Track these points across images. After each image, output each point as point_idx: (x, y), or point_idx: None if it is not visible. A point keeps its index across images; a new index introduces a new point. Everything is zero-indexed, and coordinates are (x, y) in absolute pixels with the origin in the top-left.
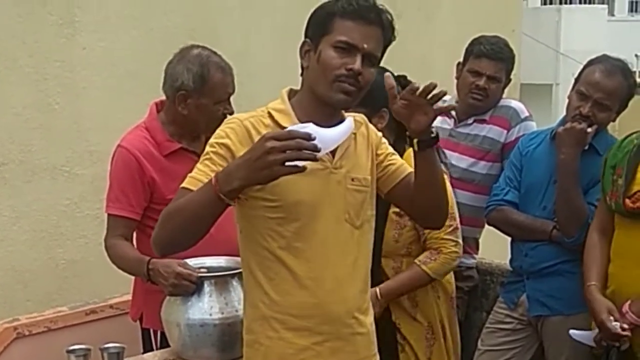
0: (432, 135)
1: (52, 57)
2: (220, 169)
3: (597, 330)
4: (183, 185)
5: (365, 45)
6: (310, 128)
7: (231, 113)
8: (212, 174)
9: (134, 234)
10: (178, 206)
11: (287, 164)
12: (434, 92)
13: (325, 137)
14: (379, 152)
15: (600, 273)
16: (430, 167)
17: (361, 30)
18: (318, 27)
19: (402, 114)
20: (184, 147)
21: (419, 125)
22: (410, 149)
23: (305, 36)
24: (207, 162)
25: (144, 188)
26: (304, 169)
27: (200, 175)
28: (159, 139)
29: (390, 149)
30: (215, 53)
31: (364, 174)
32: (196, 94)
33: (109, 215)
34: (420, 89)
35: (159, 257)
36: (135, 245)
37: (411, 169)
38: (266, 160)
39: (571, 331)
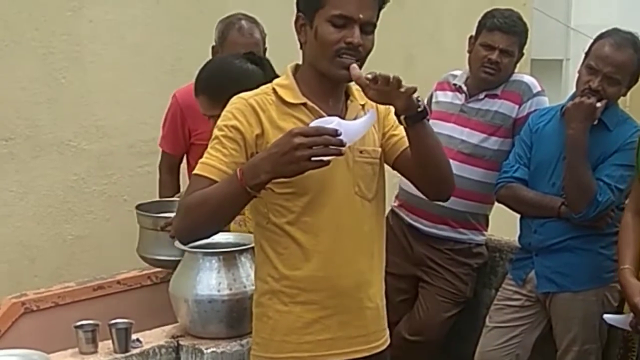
0: (420, 109)
1: (58, 30)
2: (231, 152)
3: (632, 314)
4: (196, 171)
5: (361, 16)
6: (335, 123)
7: None
8: (225, 159)
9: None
10: (200, 198)
11: (313, 158)
12: (390, 80)
13: (350, 130)
14: (386, 122)
15: (634, 256)
16: (424, 140)
17: (355, 1)
18: (310, 0)
19: (379, 100)
20: None
21: (398, 106)
22: None
23: (298, 9)
24: (217, 146)
25: (183, 133)
26: (328, 163)
27: (212, 160)
28: None
29: (396, 121)
30: (250, 21)
31: (373, 146)
32: (220, 48)
33: (161, 149)
34: (376, 78)
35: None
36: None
37: None
38: (294, 156)
39: (605, 315)
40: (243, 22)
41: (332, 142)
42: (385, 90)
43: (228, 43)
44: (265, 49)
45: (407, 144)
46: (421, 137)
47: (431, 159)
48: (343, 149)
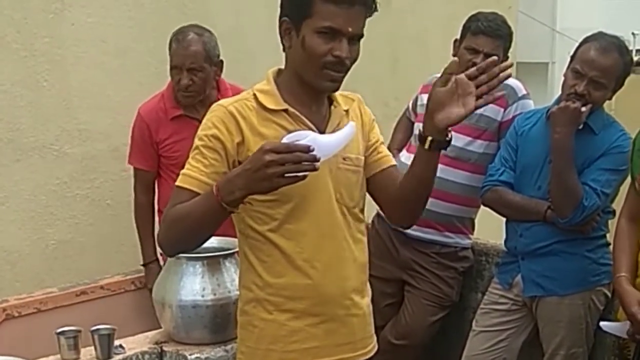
0: (448, 138)
1: (40, 33)
2: (212, 162)
3: (628, 322)
4: (178, 183)
5: (350, 29)
6: (309, 138)
7: (185, 85)
8: (205, 169)
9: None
10: (181, 212)
11: (286, 175)
12: (497, 72)
13: (325, 145)
14: (372, 135)
15: (629, 263)
16: (431, 169)
17: (344, 14)
18: (297, 7)
19: (437, 101)
20: (184, 113)
21: (448, 119)
22: None
23: (282, 13)
24: (198, 156)
25: (152, 147)
26: (304, 177)
27: (193, 171)
28: (167, 104)
29: (380, 137)
30: (198, 32)
31: (356, 154)
32: (170, 58)
33: (133, 167)
34: (472, 72)
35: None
36: (157, 198)
37: (394, 162)
38: (265, 173)
39: (602, 323)
40: (185, 34)
41: (304, 158)
42: (464, 91)
43: (171, 53)
44: (220, 62)
45: (387, 163)
46: (429, 165)
47: (421, 190)
48: (317, 164)
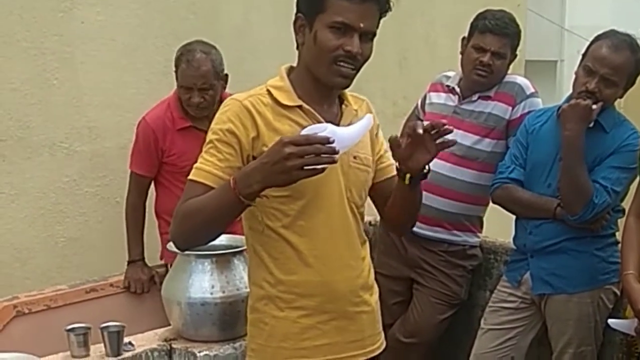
0: (425, 170)
1: (50, 31)
2: (227, 156)
3: (636, 320)
4: (191, 177)
5: (362, 25)
6: (328, 130)
7: (196, 103)
8: (220, 164)
9: (156, 192)
10: (196, 206)
11: (305, 167)
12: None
13: (343, 137)
14: (378, 141)
15: (637, 260)
16: (413, 196)
17: (356, 9)
18: (311, 3)
19: (402, 155)
20: (193, 125)
21: (418, 164)
22: None
23: (298, 10)
24: (212, 150)
25: (157, 154)
26: (322, 170)
27: (207, 165)
28: (175, 115)
29: (385, 144)
30: (205, 50)
31: (365, 153)
32: (176, 75)
33: (131, 171)
34: (426, 125)
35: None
36: (155, 201)
37: (395, 172)
38: (285, 166)
39: (610, 320)
40: (194, 54)
41: (323, 150)
42: (421, 141)
43: (179, 73)
44: (226, 75)
45: (390, 174)
46: (413, 193)
47: (410, 210)
48: (336, 156)
